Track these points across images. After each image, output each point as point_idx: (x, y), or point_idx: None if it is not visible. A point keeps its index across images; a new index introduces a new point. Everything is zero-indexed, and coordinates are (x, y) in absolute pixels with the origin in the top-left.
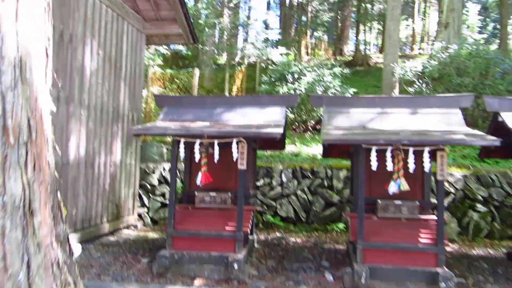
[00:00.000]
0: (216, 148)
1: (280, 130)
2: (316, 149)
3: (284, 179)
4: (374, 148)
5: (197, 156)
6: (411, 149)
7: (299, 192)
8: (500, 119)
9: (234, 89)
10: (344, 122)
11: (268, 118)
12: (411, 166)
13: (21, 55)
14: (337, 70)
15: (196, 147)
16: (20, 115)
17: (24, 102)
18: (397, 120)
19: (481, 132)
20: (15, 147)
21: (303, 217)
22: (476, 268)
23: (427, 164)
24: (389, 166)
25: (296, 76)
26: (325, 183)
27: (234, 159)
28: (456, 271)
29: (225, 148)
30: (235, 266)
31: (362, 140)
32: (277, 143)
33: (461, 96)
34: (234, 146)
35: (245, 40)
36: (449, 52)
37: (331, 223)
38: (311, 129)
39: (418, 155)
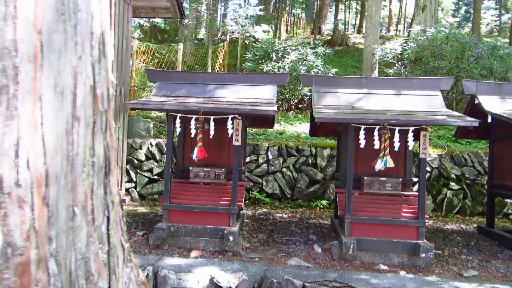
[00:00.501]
0: (212, 124)
1: (275, 108)
2: (300, 128)
3: (270, 156)
4: (363, 127)
5: (193, 132)
6: (397, 129)
7: (284, 169)
8: (476, 101)
9: (217, 65)
10: (333, 101)
11: (260, 95)
12: (397, 145)
13: (102, 31)
14: (319, 49)
15: (193, 123)
16: (102, 86)
17: (105, 74)
18: (383, 101)
19: (460, 114)
20: (99, 114)
21: (288, 194)
22: (450, 241)
23: (411, 143)
24: (376, 144)
25: (280, 54)
26: (310, 161)
27: (229, 135)
28: (433, 244)
29: (219, 125)
30: (230, 238)
31: (353, 119)
32: (266, 121)
33: (441, 79)
34: (229, 122)
35: (224, 15)
36: (427, 35)
37: (314, 200)
38: (294, 108)
39: (402, 134)
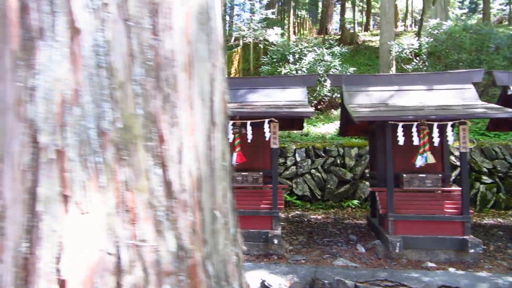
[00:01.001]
0: (249, 128)
1: (311, 109)
2: (323, 129)
3: (297, 158)
4: (400, 124)
5: (230, 137)
6: (435, 124)
7: (313, 171)
8: (509, 92)
9: (232, 71)
10: (365, 100)
11: (291, 98)
12: (436, 140)
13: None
14: (336, 49)
15: (229, 128)
16: (227, 91)
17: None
18: (415, 97)
19: (499, 106)
20: (227, 120)
21: (318, 195)
22: (492, 236)
23: (450, 138)
24: (415, 141)
25: (296, 56)
26: (338, 161)
27: (266, 139)
28: None
29: (255, 128)
30: (275, 241)
31: (392, 117)
32: (297, 123)
33: (473, 72)
34: (266, 126)
35: (231, 22)
36: (444, 29)
37: (345, 200)
38: (314, 109)
39: (439, 130)
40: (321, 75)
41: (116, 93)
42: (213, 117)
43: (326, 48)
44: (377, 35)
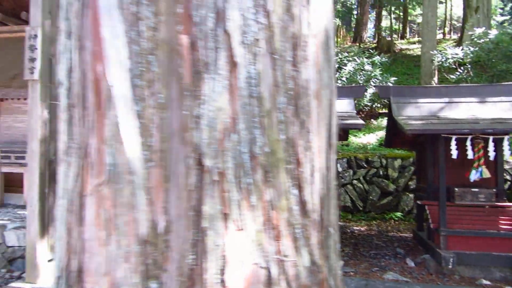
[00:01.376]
0: None
1: (362, 121)
2: (364, 139)
3: (339, 168)
4: (454, 137)
5: None
6: (491, 138)
7: (355, 182)
8: None
9: None
10: (415, 112)
11: (339, 109)
12: (492, 154)
13: None
14: (376, 59)
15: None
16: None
17: None
18: (466, 109)
19: None
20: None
21: (360, 206)
22: None
23: (507, 152)
24: (469, 154)
25: (336, 66)
26: (380, 172)
27: None
28: None
29: None
30: None
31: (446, 130)
32: (341, 133)
33: None
34: None
35: None
36: (490, 38)
37: (388, 212)
38: None
39: (494, 143)
40: (363, 85)
41: (264, 121)
42: (330, 139)
43: (366, 58)
44: (414, 43)
